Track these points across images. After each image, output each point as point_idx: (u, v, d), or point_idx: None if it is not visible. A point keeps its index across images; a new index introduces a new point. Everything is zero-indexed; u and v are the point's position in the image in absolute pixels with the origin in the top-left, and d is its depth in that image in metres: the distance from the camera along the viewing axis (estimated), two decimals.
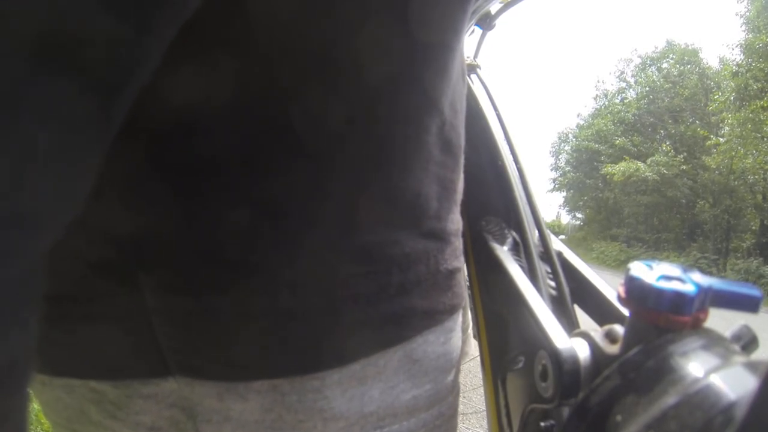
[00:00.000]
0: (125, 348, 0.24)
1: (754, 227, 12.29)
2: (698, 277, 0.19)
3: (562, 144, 21.95)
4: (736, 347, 0.19)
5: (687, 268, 0.20)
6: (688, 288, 0.18)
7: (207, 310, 0.22)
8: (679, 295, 0.18)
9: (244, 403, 0.24)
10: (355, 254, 0.23)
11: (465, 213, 0.42)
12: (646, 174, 13.69)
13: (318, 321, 0.23)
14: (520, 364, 0.28)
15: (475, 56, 0.56)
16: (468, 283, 0.40)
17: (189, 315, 0.23)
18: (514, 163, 0.40)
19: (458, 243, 0.29)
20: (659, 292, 0.19)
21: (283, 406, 0.24)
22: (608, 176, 14.98)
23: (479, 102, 0.45)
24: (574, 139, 20.79)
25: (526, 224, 0.36)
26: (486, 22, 0.56)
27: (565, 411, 0.26)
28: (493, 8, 0.53)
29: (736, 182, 12.34)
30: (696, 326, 0.19)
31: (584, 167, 18.88)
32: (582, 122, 21.26)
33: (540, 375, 0.25)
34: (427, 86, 0.24)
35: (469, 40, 0.55)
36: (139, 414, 0.25)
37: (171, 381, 0.24)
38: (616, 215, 17.10)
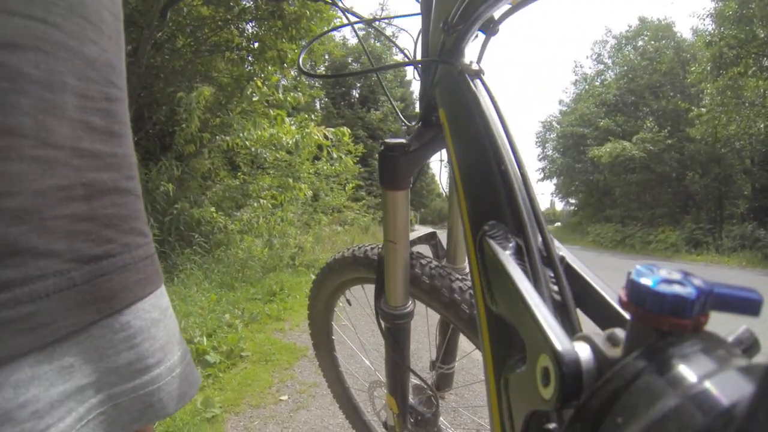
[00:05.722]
0: None
1: (746, 192, 12.08)
2: (698, 281, 0.19)
3: (547, 132, 21.88)
4: (738, 350, 0.19)
5: (687, 272, 0.20)
6: (689, 291, 0.19)
7: None
8: (679, 299, 0.18)
9: None
10: None
11: (468, 217, 0.42)
12: (633, 152, 13.67)
13: None
14: (523, 368, 0.28)
15: (479, 61, 0.56)
16: (471, 286, 0.40)
17: None
18: (516, 167, 0.40)
19: None
20: (660, 296, 0.19)
21: None
22: (596, 159, 14.94)
23: (482, 106, 0.46)
24: (558, 126, 20.66)
25: (528, 228, 0.36)
26: (490, 27, 0.56)
27: (567, 414, 0.26)
28: (497, 13, 0.53)
29: (723, 150, 12.23)
30: (697, 329, 0.19)
31: (571, 152, 18.78)
32: (564, 108, 21.18)
33: (542, 378, 0.25)
34: None
35: (473, 45, 0.55)
36: None
37: None
38: (608, 196, 16.96)
